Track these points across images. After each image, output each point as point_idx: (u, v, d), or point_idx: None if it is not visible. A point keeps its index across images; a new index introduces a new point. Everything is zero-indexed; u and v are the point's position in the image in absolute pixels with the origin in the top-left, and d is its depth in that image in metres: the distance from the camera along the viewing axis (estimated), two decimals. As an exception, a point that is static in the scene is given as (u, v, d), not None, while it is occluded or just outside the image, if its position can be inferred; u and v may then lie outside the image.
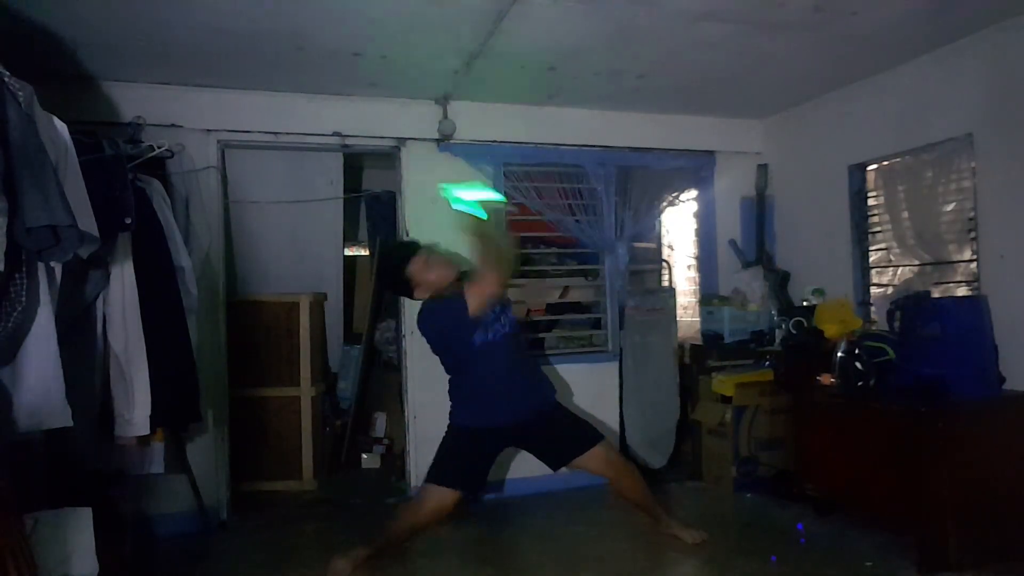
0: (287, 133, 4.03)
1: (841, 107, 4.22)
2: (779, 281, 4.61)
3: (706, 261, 5.01)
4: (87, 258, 2.22)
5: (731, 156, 4.84)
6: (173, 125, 3.73)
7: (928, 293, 3.54)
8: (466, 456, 3.09)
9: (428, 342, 3.14)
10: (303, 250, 5.11)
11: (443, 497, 3.02)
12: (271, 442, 4.43)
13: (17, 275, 1.99)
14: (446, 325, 3.02)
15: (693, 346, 4.73)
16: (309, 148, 4.28)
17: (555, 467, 3.24)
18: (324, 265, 5.25)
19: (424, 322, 3.11)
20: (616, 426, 4.40)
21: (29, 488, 2.21)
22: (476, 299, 2.89)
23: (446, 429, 3.16)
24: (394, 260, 3.19)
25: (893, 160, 3.98)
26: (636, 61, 3.63)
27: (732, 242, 4.85)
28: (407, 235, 4.15)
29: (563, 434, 3.19)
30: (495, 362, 3.03)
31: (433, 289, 3.05)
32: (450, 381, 3.17)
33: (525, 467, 4.10)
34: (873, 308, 4.14)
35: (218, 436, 3.86)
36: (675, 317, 4.66)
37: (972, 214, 3.49)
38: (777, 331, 4.34)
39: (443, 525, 3.31)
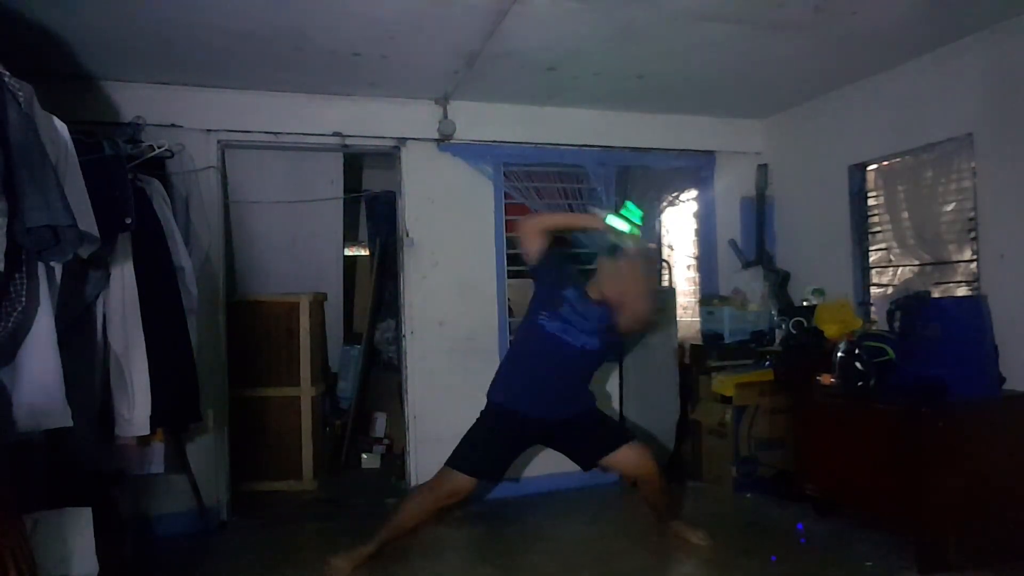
0: (287, 133, 4.03)
1: (841, 107, 4.22)
2: (779, 281, 4.61)
3: (706, 261, 5.00)
4: (87, 258, 2.22)
5: (731, 156, 4.84)
6: (173, 125, 3.73)
7: (928, 293, 3.53)
8: (491, 443, 3.09)
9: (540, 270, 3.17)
10: (303, 250, 5.11)
11: (460, 483, 3.03)
12: (271, 442, 4.43)
13: (17, 275, 1.99)
14: (559, 275, 3.12)
15: (693, 346, 4.72)
16: (309, 148, 4.27)
17: (586, 467, 3.27)
18: (324, 265, 5.25)
19: (554, 257, 3.18)
20: (616, 426, 4.40)
21: (29, 488, 2.20)
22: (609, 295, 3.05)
23: (479, 414, 3.15)
24: (622, 244, 3.14)
25: (893, 160, 3.98)
26: (636, 61, 3.63)
27: (732, 242, 4.85)
28: (407, 235, 4.15)
29: (593, 435, 3.21)
30: (556, 359, 3.04)
31: (601, 285, 3.10)
32: (508, 351, 3.30)
33: (526, 467, 4.12)
34: (873, 308, 4.14)
35: (218, 436, 3.86)
36: (675, 317, 4.66)
37: (972, 214, 3.49)
38: (777, 331, 4.34)
39: (447, 514, 3.31)
